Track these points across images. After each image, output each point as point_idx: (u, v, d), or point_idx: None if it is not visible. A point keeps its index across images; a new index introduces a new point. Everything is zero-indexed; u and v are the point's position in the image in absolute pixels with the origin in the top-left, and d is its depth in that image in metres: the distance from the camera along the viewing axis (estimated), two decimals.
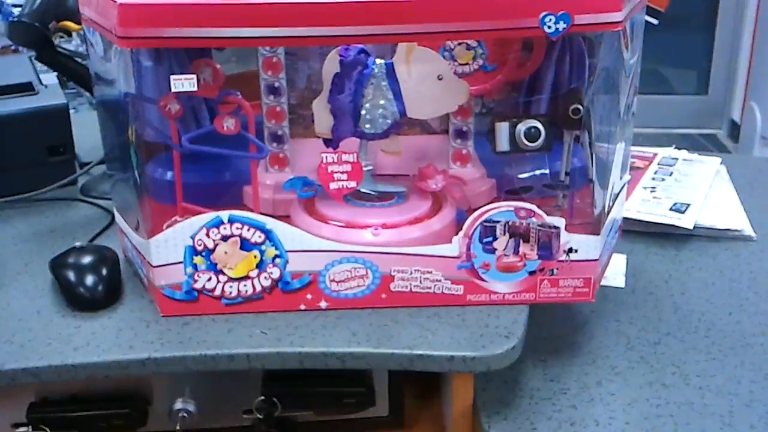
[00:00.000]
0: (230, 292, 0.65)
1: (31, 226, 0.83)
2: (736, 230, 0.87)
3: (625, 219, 0.82)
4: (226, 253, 0.64)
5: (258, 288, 0.65)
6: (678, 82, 3.15)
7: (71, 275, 0.68)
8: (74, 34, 1.11)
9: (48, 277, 0.71)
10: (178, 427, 0.68)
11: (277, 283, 0.65)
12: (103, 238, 0.80)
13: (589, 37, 0.67)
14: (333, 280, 0.65)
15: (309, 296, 0.65)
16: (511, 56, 0.72)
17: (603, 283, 0.77)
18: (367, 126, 0.67)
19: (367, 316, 0.65)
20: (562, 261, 0.64)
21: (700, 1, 3.00)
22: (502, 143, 0.68)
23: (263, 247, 0.64)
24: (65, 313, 0.66)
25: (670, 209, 0.89)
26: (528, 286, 0.65)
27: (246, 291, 0.65)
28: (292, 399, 0.67)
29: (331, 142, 0.68)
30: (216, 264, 0.64)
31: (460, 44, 0.70)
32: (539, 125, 0.68)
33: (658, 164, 1.02)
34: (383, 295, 0.65)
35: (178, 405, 0.68)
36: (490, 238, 0.64)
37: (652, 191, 0.94)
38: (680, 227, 0.87)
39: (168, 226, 0.64)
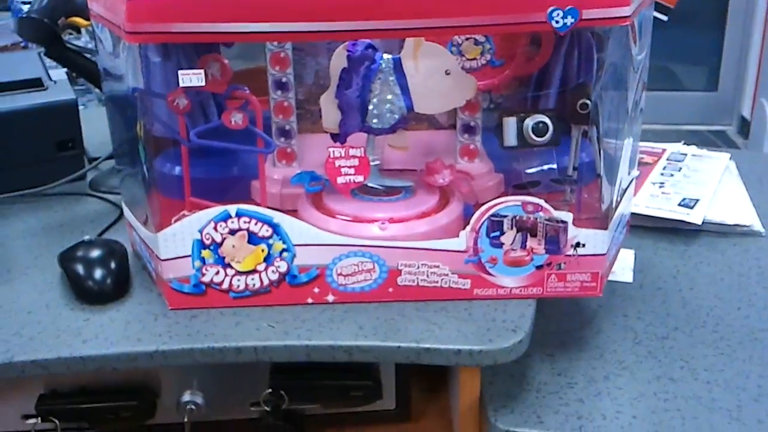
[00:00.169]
0: (238, 286, 0.65)
1: (40, 221, 0.84)
2: (745, 226, 0.87)
3: (634, 214, 0.82)
4: (233, 246, 0.64)
5: (265, 282, 0.65)
6: (688, 78, 3.13)
7: (80, 269, 0.68)
8: (83, 30, 1.11)
9: (57, 271, 0.71)
10: (185, 420, 0.69)
11: (285, 276, 0.65)
12: (112, 232, 0.80)
13: (597, 32, 0.66)
14: (340, 274, 0.65)
15: (316, 290, 0.66)
16: (519, 51, 0.72)
17: (611, 278, 0.77)
18: (375, 121, 0.67)
19: (374, 310, 0.65)
20: (570, 255, 0.64)
21: None
22: (510, 138, 0.68)
23: (271, 241, 0.64)
24: (74, 306, 0.67)
25: (679, 205, 0.89)
26: (535, 281, 0.65)
27: (253, 284, 0.65)
28: (300, 392, 0.68)
29: (339, 137, 0.68)
30: (224, 258, 0.64)
31: (467, 39, 0.70)
32: (547, 120, 0.68)
33: (667, 160, 1.02)
34: (390, 289, 0.65)
35: (186, 397, 0.69)
36: (498, 233, 0.64)
37: (660, 187, 0.94)
38: (689, 223, 0.86)
39: (176, 220, 0.65)
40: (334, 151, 0.65)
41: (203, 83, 0.61)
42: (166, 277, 0.65)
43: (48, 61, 0.98)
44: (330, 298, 0.66)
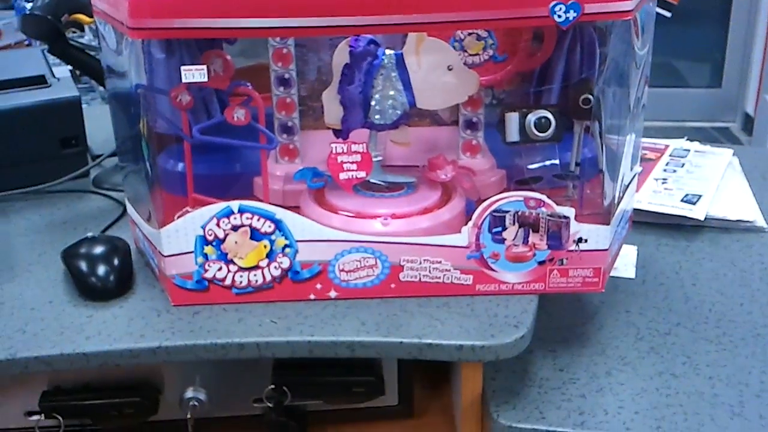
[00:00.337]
0: (240, 282, 0.65)
1: (43, 218, 0.84)
2: (747, 221, 0.87)
3: (636, 210, 0.82)
4: (236, 242, 0.64)
5: (268, 277, 0.65)
6: (691, 75, 3.12)
7: (83, 265, 0.68)
8: (86, 28, 1.11)
9: (60, 268, 0.71)
10: (188, 416, 0.69)
11: (287, 272, 0.65)
12: (115, 229, 0.81)
13: (599, 26, 0.66)
14: (342, 270, 0.65)
15: (318, 286, 0.66)
16: (521, 47, 0.72)
17: (613, 274, 0.77)
18: (377, 117, 0.67)
19: (377, 306, 0.65)
20: (572, 251, 0.64)
21: None
22: (512, 133, 0.68)
23: (273, 237, 0.64)
24: (77, 303, 0.67)
25: (682, 200, 0.89)
26: (537, 276, 0.65)
27: (256, 280, 0.65)
28: (302, 388, 0.68)
29: (341, 133, 0.68)
30: (226, 254, 0.65)
31: (470, 34, 0.70)
32: (549, 115, 0.68)
33: (670, 156, 1.01)
34: (392, 285, 0.66)
35: (189, 393, 0.69)
36: (500, 228, 0.64)
37: (663, 182, 0.94)
38: (691, 218, 0.86)
39: (179, 217, 0.65)
40: (336, 147, 0.65)
41: (206, 79, 0.61)
42: (169, 274, 0.65)
43: (51, 59, 0.98)
44: (332, 294, 0.66)
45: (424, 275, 0.65)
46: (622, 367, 0.66)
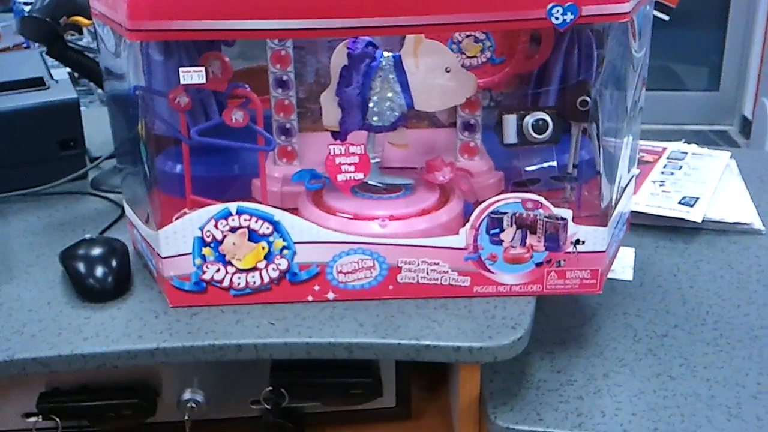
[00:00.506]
0: (238, 283, 0.65)
1: (41, 219, 0.84)
2: (745, 224, 0.87)
3: (634, 213, 0.82)
4: (234, 244, 0.64)
5: (266, 279, 0.65)
6: (689, 78, 3.13)
7: (81, 266, 0.68)
8: (85, 31, 1.12)
9: (58, 269, 0.71)
10: (186, 418, 0.69)
11: (285, 274, 0.65)
12: (113, 230, 0.81)
13: (596, 29, 0.67)
14: (340, 272, 0.65)
15: (316, 287, 0.66)
16: (519, 49, 0.72)
17: (611, 276, 0.77)
18: (375, 118, 0.67)
19: (374, 308, 0.65)
20: (570, 253, 0.64)
21: None
22: (510, 135, 0.69)
23: (271, 239, 0.64)
24: (75, 304, 0.67)
25: (679, 203, 0.89)
26: (535, 278, 0.65)
27: (254, 282, 0.65)
28: (300, 389, 0.68)
29: (339, 135, 0.68)
30: (224, 255, 0.65)
31: (468, 37, 0.71)
32: (547, 117, 0.68)
33: (668, 158, 1.02)
34: (390, 287, 0.66)
35: (187, 395, 0.69)
36: (497, 230, 0.64)
37: (661, 185, 0.94)
38: (689, 221, 0.86)
39: (177, 218, 0.65)
40: (334, 149, 0.65)
41: (204, 80, 0.61)
42: (167, 275, 0.65)
43: (50, 61, 0.99)
44: (330, 295, 0.66)
45: (421, 277, 0.65)
46: (619, 369, 0.66)
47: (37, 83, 0.94)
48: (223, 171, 0.74)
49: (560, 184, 0.71)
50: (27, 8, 0.99)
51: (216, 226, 0.64)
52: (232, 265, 0.65)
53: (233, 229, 0.64)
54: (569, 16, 0.57)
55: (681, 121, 2.98)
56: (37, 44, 1.10)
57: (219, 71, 0.65)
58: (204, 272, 0.65)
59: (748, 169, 1.00)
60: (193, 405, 0.69)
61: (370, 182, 0.69)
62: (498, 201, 0.64)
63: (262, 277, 0.65)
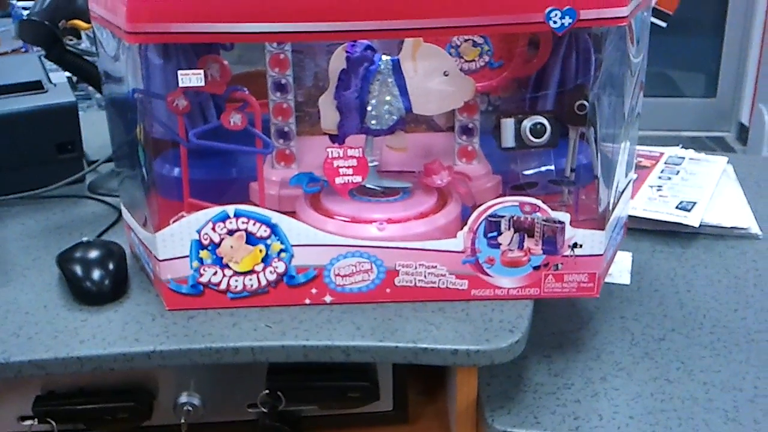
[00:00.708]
0: (236, 286, 0.65)
1: (39, 223, 0.84)
2: (742, 228, 0.87)
3: (632, 217, 0.82)
4: (231, 247, 0.64)
5: (263, 282, 0.65)
6: (687, 85, 3.14)
7: (78, 269, 0.68)
8: (83, 35, 1.12)
9: (55, 272, 0.71)
10: (182, 421, 0.68)
11: (283, 277, 0.65)
12: (110, 234, 0.81)
13: (594, 33, 0.67)
14: (338, 275, 0.65)
15: (314, 290, 0.66)
16: (517, 53, 0.72)
17: (608, 280, 0.77)
18: (373, 122, 0.67)
19: (372, 311, 0.65)
20: (567, 256, 0.65)
21: (709, 4, 3.00)
22: (508, 139, 0.69)
23: (269, 242, 0.64)
24: (72, 307, 0.67)
25: (677, 207, 0.89)
26: (532, 281, 0.65)
27: (251, 285, 0.65)
28: (297, 393, 0.68)
29: (337, 138, 0.68)
30: (222, 258, 0.65)
31: (466, 41, 0.71)
32: (545, 121, 0.68)
33: (665, 163, 1.02)
34: (388, 290, 0.66)
35: (183, 399, 0.69)
36: (495, 233, 0.64)
37: (658, 190, 0.94)
38: (686, 225, 0.86)
39: (174, 221, 0.65)
40: (332, 152, 0.65)
41: (202, 83, 0.62)
42: (164, 278, 0.65)
43: (48, 65, 0.99)
44: (328, 298, 0.66)
45: (419, 280, 0.65)
46: (616, 373, 0.66)
47: (36, 87, 0.94)
48: (221, 174, 0.74)
49: (558, 188, 0.71)
50: (26, 12, 0.99)
51: (213, 229, 0.64)
52: (230, 268, 0.65)
53: (231, 232, 0.64)
54: (567, 20, 0.58)
55: (678, 128, 2.98)
56: (35, 48, 1.10)
57: (218, 74, 0.65)
58: (201, 275, 0.65)
59: (745, 174, 1.00)
60: (190, 408, 0.69)
61: (368, 185, 0.69)
62: (496, 204, 0.64)
63: (259, 280, 0.65)
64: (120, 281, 0.69)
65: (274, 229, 0.64)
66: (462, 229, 0.64)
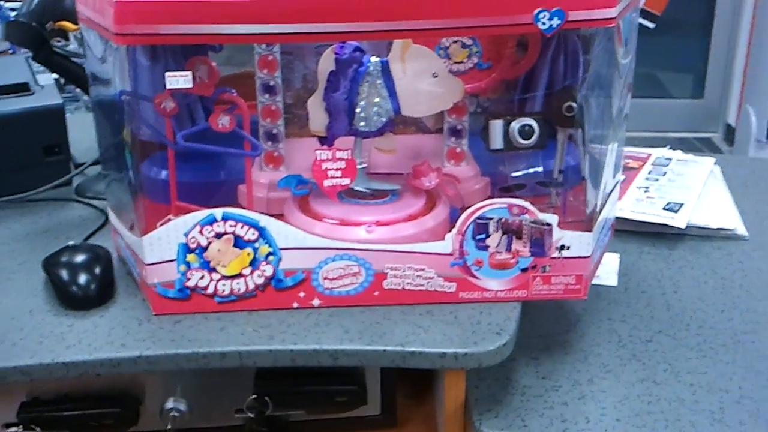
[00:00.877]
0: (223, 290, 0.65)
1: (25, 226, 0.83)
2: (728, 229, 0.88)
3: (619, 218, 0.82)
4: (219, 250, 0.64)
5: (251, 286, 0.65)
6: (674, 86, 3.16)
7: (64, 274, 0.68)
8: (71, 37, 1.11)
9: (41, 276, 0.71)
10: (169, 427, 0.68)
11: (270, 280, 0.65)
12: (97, 237, 0.80)
13: (583, 34, 0.67)
14: (326, 278, 0.65)
15: (302, 294, 0.65)
16: (506, 54, 0.72)
17: (596, 281, 0.77)
18: (362, 124, 0.67)
19: (360, 314, 0.65)
20: (555, 258, 0.65)
21: (697, 5, 3.01)
22: (496, 141, 0.69)
23: (256, 245, 0.64)
24: (57, 312, 0.66)
25: (664, 209, 0.90)
26: (520, 284, 0.65)
27: (239, 289, 0.65)
28: (284, 398, 0.67)
29: (326, 140, 0.68)
30: (209, 262, 0.64)
31: (455, 42, 0.71)
32: (533, 123, 0.68)
33: (652, 164, 1.02)
34: (376, 293, 0.65)
35: (170, 404, 0.68)
36: (483, 235, 0.64)
37: (645, 191, 0.94)
38: (673, 226, 0.87)
39: (161, 225, 0.64)
40: (321, 154, 0.65)
41: (190, 85, 0.61)
42: (151, 282, 0.65)
43: (35, 66, 0.98)
44: (315, 302, 0.66)
45: (407, 283, 0.65)
46: (604, 375, 0.66)
47: (22, 89, 0.93)
48: (208, 177, 0.74)
49: (546, 190, 0.71)
50: (13, 13, 0.98)
51: (201, 233, 0.64)
52: (217, 271, 0.64)
53: (218, 236, 0.64)
54: (556, 21, 0.58)
55: (666, 129, 3.00)
56: (22, 49, 1.09)
57: (206, 76, 0.65)
58: (188, 279, 0.65)
59: (732, 176, 1.01)
60: (176, 414, 0.68)
61: (356, 188, 0.68)
62: (484, 206, 0.64)
63: (247, 284, 0.65)
64: (106, 285, 0.69)
65: (262, 233, 0.64)
66: (450, 231, 0.64)
